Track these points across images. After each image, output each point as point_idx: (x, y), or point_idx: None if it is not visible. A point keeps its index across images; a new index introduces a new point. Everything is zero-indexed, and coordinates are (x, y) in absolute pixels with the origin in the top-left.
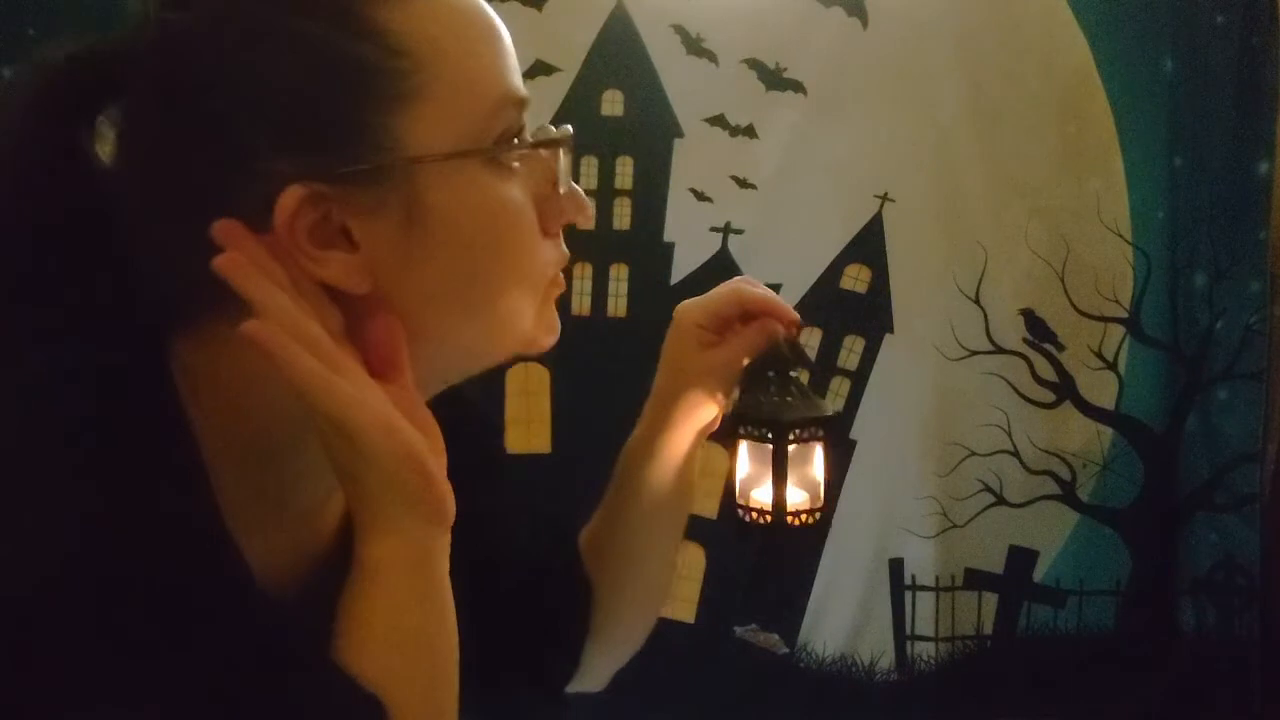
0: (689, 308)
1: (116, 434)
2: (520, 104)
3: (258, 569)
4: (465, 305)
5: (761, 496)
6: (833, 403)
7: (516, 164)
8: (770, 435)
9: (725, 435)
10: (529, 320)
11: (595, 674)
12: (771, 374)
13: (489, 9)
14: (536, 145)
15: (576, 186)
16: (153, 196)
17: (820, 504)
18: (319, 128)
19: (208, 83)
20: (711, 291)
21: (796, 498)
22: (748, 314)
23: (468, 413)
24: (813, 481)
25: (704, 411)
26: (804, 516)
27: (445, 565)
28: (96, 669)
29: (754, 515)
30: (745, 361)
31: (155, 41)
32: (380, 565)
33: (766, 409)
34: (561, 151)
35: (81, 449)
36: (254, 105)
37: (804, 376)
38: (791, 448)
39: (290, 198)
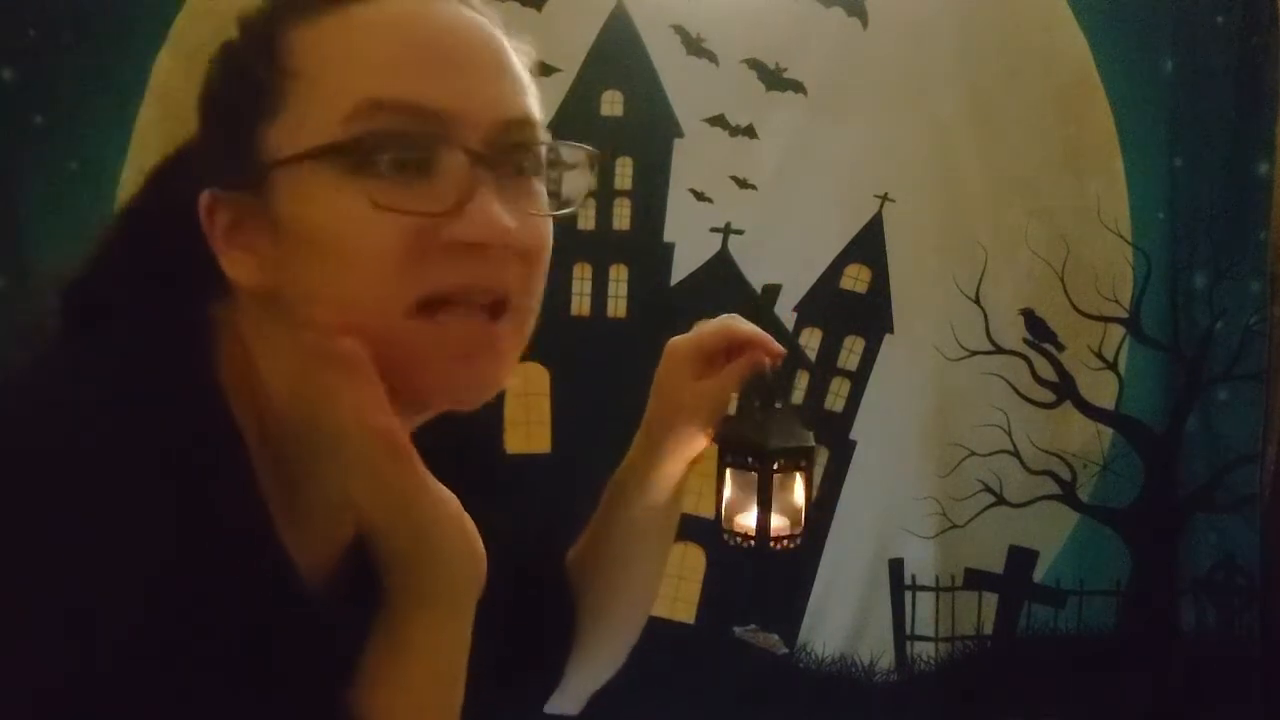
0: (680, 343)
1: (164, 433)
2: (396, 108)
3: (300, 563)
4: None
5: (746, 521)
6: (832, 403)
7: (385, 170)
8: (755, 463)
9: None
10: (406, 346)
11: (573, 693)
12: (758, 404)
13: (433, 22)
14: (317, 152)
15: (484, 202)
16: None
17: (800, 529)
18: (220, 141)
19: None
20: (702, 328)
21: (778, 523)
22: (735, 348)
23: (465, 416)
24: (794, 508)
25: (693, 443)
26: (785, 542)
27: (468, 636)
28: (149, 671)
29: (739, 540)
30: (733, 394)
31: None
32: (427, 642)
33: (752, 438)
34: (464, 161)
35: (130, 450)
36: (202, 127)
37: (804, 378)
38: (779, 478)
39: (203, 199)
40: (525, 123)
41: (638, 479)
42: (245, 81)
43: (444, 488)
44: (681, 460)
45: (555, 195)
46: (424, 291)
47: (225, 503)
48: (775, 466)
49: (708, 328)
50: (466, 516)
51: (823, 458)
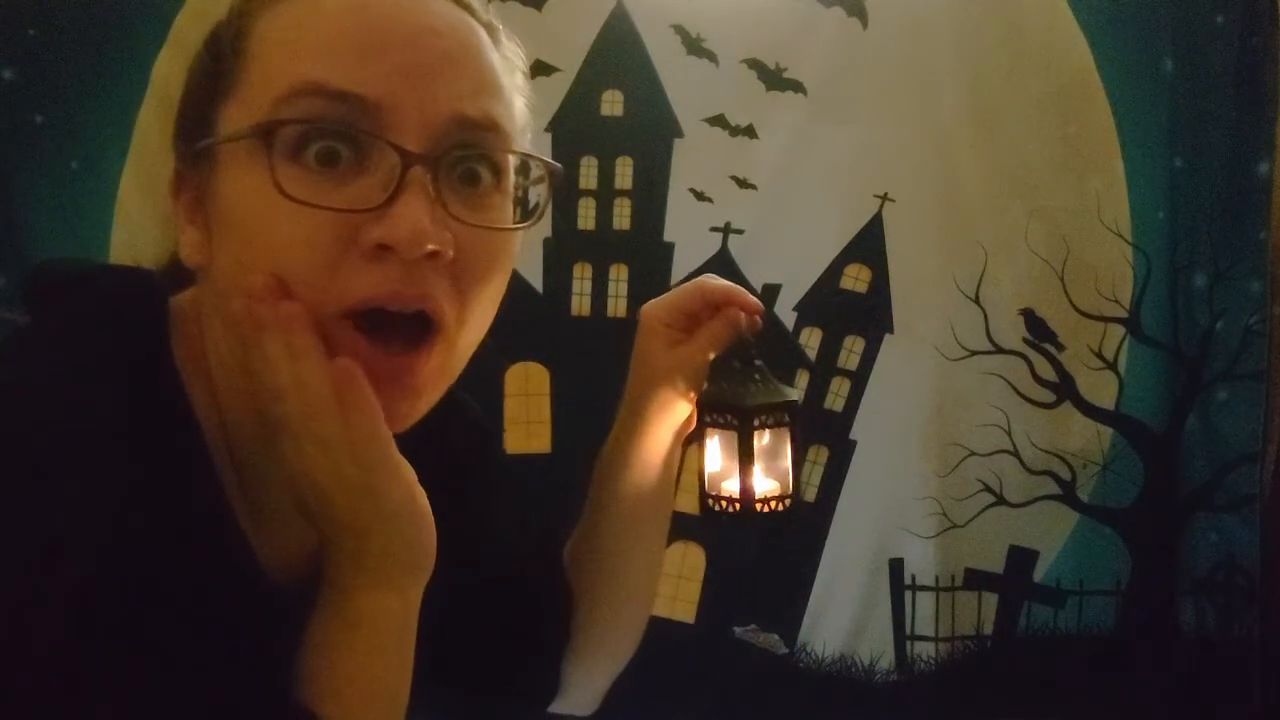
0: (653, 306)
1: (118, 412)
2: (329, 94)
3: (264, 557)
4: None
5: (733, 488)
6: (832, 403)
7: (312, 160)
8: (735, 422)
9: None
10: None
11: (583, 690)
12: (736, 363)
13: (388, 11)
14: (246, 133)
15: (407, 204)
16: None
17: (789, 492)
18: (185, 118)
19: None
20: (675, 289)
21: (766, 486)
22: (711, 307)
23: (464, 417)
24: (781, 469)
25: (676, 410)
26: (774, 503)
27: (417, 616)
28: (110, 662)
29: (723, 504)
30: (712, 355)
31: None
32: (373, 619)
33: (730, 396)
34: (395, 159)
35: (84, 426)
36: (181, 95)
37: (804, 378)
38: (758, 435)
39: (171, 175)
40: (481, 125)
41: (623, 454)
42: (211, 61)
43: (402, 457)
44: (667, 430)
45: (522, 205)
46: (350, 301)
47: (179, 482)
48: (755, 423)
49: (681, 288)
50: (422, 491)
51: (823, 457)
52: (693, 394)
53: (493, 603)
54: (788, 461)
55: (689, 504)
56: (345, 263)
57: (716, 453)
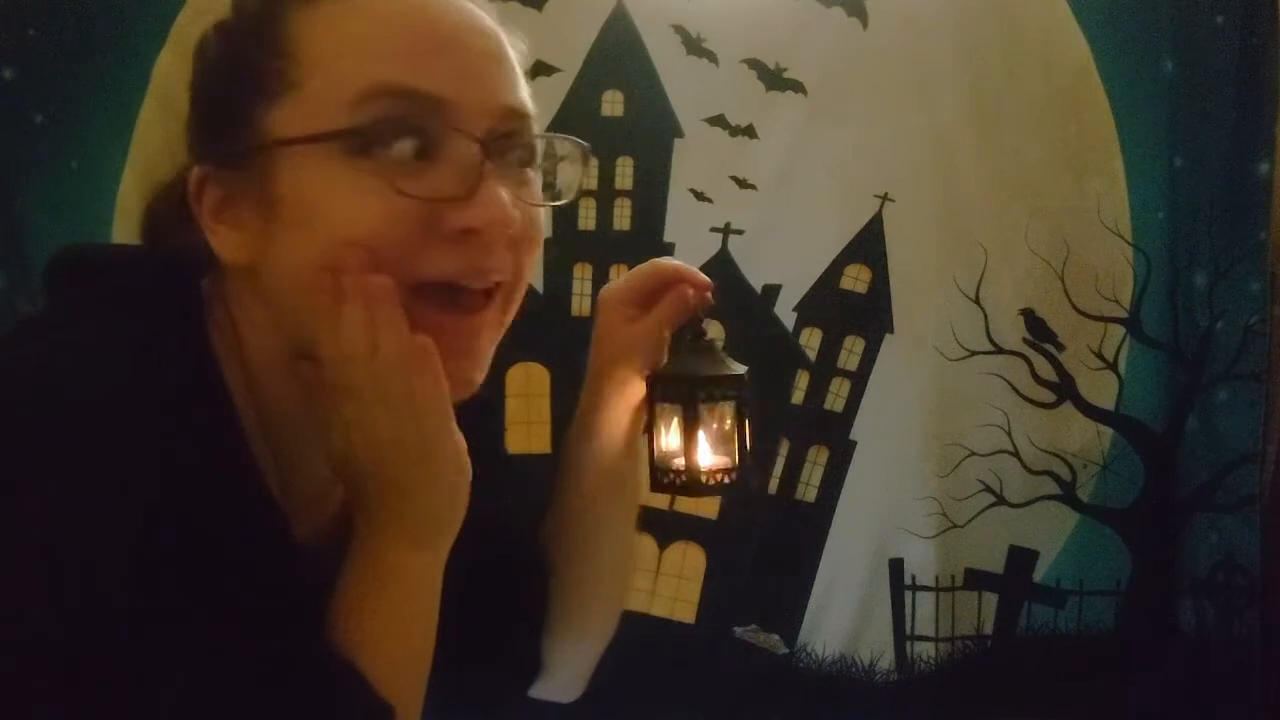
0: (611, 287)
1: (168, 398)
2: (402, 94)
3: (297, 527)
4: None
5: (680, 462)
6: (832, 403)
7: (396, 156)
8: (680, 394)
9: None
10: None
11: (564, 672)
12: (687, 338)
13: (422, 12)
14: (327, 135)
15: (492, 189)
16: None
17: (736, 465)
18: (214, 120)
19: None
20: (631, 269)
21: (713, 460)
22: (665, 285)
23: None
24: (729, 443)
25: (634, 387)
26: (720, 476)
27: (442, 574)
28: (141, 605)
29: (670, 477)
30: (666, 333)
31: None
32: (403, 575)
33: (676, 370)
34: (476, 149)
35: (135, 412)
36: (194, 106)
37: (804, 378)
38: (705, 408)
39: (194, 175)
40: (521, 114)
41: (583, 430)
42: (241, 63)
43: (456, 427)
44: (624, 408)
45: (550, 187)
46: (422, 276)
47: (219, 455)
48: (701, 395)
49: (637, 269)
50: (469, 461)
51: (823, 458)
52: (648, 371)
53: (476, 578)
54: (736, 436)
55: (687, 504)
56: (428, 246)
57: (666, 429)
